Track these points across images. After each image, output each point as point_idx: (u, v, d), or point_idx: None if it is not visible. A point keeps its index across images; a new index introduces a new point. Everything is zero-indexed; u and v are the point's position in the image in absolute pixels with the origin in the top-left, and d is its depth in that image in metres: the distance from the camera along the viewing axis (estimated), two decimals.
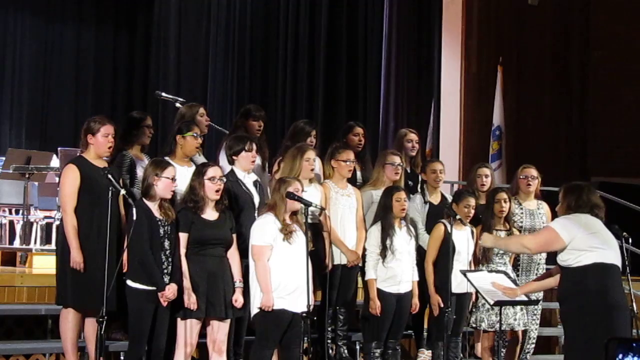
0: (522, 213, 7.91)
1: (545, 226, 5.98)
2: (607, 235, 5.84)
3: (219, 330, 6.41)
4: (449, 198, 7.81)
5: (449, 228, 7.28)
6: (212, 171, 6.38)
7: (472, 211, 7.42)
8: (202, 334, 6.45)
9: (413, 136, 8.18)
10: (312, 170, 7.10)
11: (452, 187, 10.29)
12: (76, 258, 6.19)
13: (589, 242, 5.73)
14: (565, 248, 5.77)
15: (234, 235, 6.47)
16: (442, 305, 7.22)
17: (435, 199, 7.76)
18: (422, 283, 7.44)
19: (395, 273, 7.19)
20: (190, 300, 6.21)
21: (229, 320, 6.45)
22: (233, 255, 6.46)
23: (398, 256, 7.18)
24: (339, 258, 7.28)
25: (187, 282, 6.24)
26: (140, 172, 6.83)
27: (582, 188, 5.95)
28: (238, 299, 6.40)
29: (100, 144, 6.38)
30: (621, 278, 5.85)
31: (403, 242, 7.23)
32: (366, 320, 7.33)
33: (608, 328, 5.53)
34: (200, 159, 7.31)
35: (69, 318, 6.35)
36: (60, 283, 6.35)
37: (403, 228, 7.27)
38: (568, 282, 5.84)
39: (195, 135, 6.84)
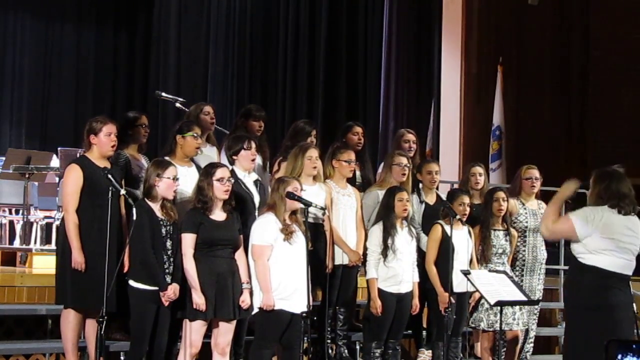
0: (526, 213, 7.92)
1: (566, 216, 5.86)
2: (625, 238, 5.68)
3: (225, 332, 6.38)
4: (444, 198, 7.79)
5: (446, 228, 7.28)
6: (220, 172, 6.35)
7: (467, 209, 7.42)
8: (205, 335, 6.42)
9: (410, 137, 8.16)
10: (315, 168, 7.07)
11: (452, 187, 10.28)
12: (77, 258, 6.18)
13: (600, 244, 5.64)
14: (578, 242, 5.72)
15: (241, 237, 6.45)
16: (453, 302, 7.18)
17: (431, 199, 7.74)
18: (421, 284, 7.43)
19: (396, 273, 7.18)
20: (200, 301, 6.19)
21: (235, 322, 6.43)
22: (240, 256, 6.43)
23: (399, 256, 7.16)
24: (341, 258, 7.27)
25: (195, 284, 6.20)
26: (137, 171, 6.83)
27: (611, 176, 5.78)
28: (245, 300, 6.37)
29: (103, 143, 6.37)
30: (623, 283, 5.70)
31: (404, 242, 7.22)
32: (367, 320, 7.33)
33: (601, 329, 5.48)
34: (211, 151, 7.32)
35: (69, 318, 6.34)
36: (60, 283, 6.34)
37: (405, 228, 7.26)
38: (570, 273, 5.84)
39: (195, 135, 6.81)
